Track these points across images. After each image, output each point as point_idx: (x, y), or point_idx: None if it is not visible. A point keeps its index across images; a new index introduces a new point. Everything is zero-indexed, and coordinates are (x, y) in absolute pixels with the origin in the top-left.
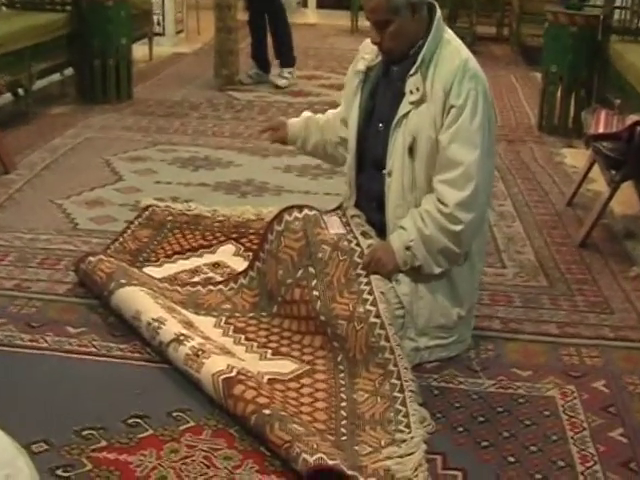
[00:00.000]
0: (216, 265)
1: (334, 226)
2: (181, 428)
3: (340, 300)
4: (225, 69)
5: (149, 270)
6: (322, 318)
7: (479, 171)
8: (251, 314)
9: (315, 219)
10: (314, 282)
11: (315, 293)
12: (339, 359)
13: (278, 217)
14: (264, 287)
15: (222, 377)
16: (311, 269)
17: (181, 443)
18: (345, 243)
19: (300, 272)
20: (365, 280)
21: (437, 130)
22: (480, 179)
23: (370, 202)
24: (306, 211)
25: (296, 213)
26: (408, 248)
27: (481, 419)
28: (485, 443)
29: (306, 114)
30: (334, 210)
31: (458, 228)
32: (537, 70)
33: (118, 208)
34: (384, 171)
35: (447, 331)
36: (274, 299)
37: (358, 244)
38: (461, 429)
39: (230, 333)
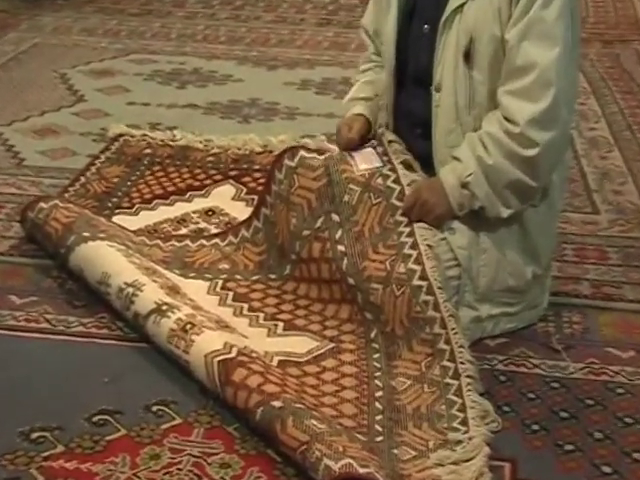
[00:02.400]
0: (210, 212)
1: (366, 161)
2: (163, 427)
3: (373, 257)
4: None
5: (121, 219)
6: (350, 281)
7: (559, 75)
8: (256, 276)
9: (340, 155)
10: (339, 234)
11: (340, 248)
12: (373, 335)
13: (291, 150)
14: (273, 241)
15: (218, 359)
16: (334, 216)
17: (164, 446)
18: (379, 180)
19: (320, 221)
20: (407, 230)
21: (503, 26)
22: (561, 86)
23: (412, 128)
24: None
25: (315, 154)
26: (465, 185)
27: (564, 415)
28: (570, 447)
29: (354, 96)
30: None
31: (532, 152)
32: None
33: (78, 138)
34: (431, 87)
35: (517, 295)
36: (286, 257)
37: (397, 180)
38: (537, 427)
39: (228, 301)
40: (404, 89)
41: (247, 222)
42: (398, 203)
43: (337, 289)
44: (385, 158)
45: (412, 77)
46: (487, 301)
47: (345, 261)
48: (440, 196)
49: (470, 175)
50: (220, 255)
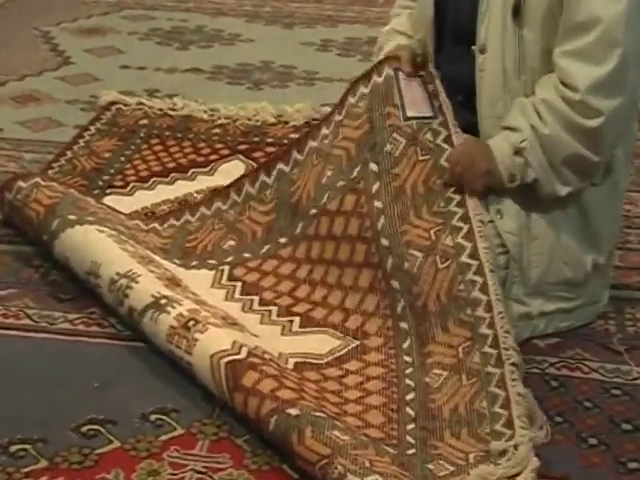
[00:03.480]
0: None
1: (415, 105)
2: (163, 438)
3: (416, 222)
4: None
5: (113, 200)
6: (383, 242)
7: (627, 33)
8: (266, 247)
9: (386, 88)
10: (376, 186)
11: (377, 204)
12: (399, 309)
13: (341, 105)
14: (285, 199)
15: (226, 360)
16: (372, 166)
17: (163, 461)
18: (428, 135)
19: (356, 170)
20: (457, 198)
21: None
22: (629, 45)
23: (453, 95)
24: (375, 78)
25: (362, 88)
26: (519, 152)
27: (627, 427)
28: (633, 464)
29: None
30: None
31: (595, 123)
32: None
33: (64, 107)
34: (473, 47)
35: (575, 289)
36: (300, 214)
37: (449, 139)
38: (594, 441)
39: (236, 295)
40: (443, 49)
41: (252, 175)
42: (447, 165)
43: (360, 249)
44: (436, 103)
45: (451, 35)
46: (539, 295)
47: (382, 220)
48: (489, 161)
49: (524, 141)
50: (224, 228)
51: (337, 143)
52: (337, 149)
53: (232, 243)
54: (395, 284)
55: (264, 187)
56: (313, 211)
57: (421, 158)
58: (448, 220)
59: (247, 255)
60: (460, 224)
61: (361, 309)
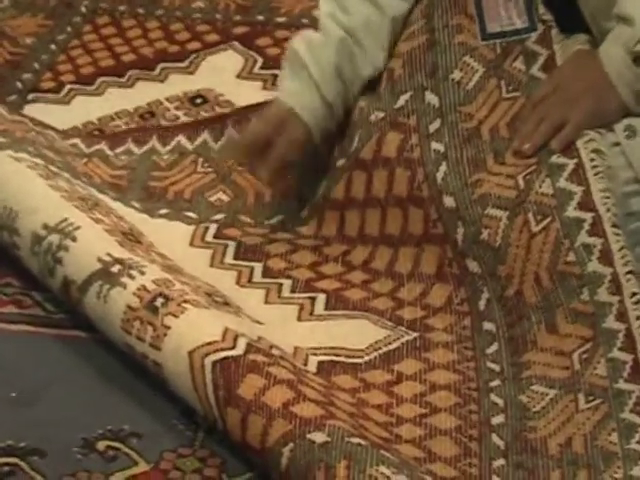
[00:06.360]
0: (198, 99)
1: (499, 14)
2: (119, 477)
3: (495, 169)
4: None
5: (39, 111)
6: (447, 202)
7: None
8: (277, 217)
9: None
10: (436, 124)
11: (435, 146)
12: (482, 304)
13: None
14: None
15: (213, 358)
16: (431, 98)
17: None
18: (519, 63)
19: (404, 98)
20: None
21: None
22: None
23: None
24: None
25: None
26: (639, 58)
27: None
28: None
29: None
30: None
31: None
32: None
33: None
34: None
35: None
36: (328, 168)
37: (550, 61)
38: None
39: (228, 259)
40: None
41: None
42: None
43: (416, 215)
44: (534, 7)
45: None
46: None
47: (443, 168)
48: (600, 81)
49: None
50: (212, 174)
51: None
52: None
53: (223, 197)
54: (472, 265)
55: None
56: (341, 162)
57: (507, 95)
58: (544, 158)
59: (246, 219)
60: (563, 160)
61: (423, 302)
